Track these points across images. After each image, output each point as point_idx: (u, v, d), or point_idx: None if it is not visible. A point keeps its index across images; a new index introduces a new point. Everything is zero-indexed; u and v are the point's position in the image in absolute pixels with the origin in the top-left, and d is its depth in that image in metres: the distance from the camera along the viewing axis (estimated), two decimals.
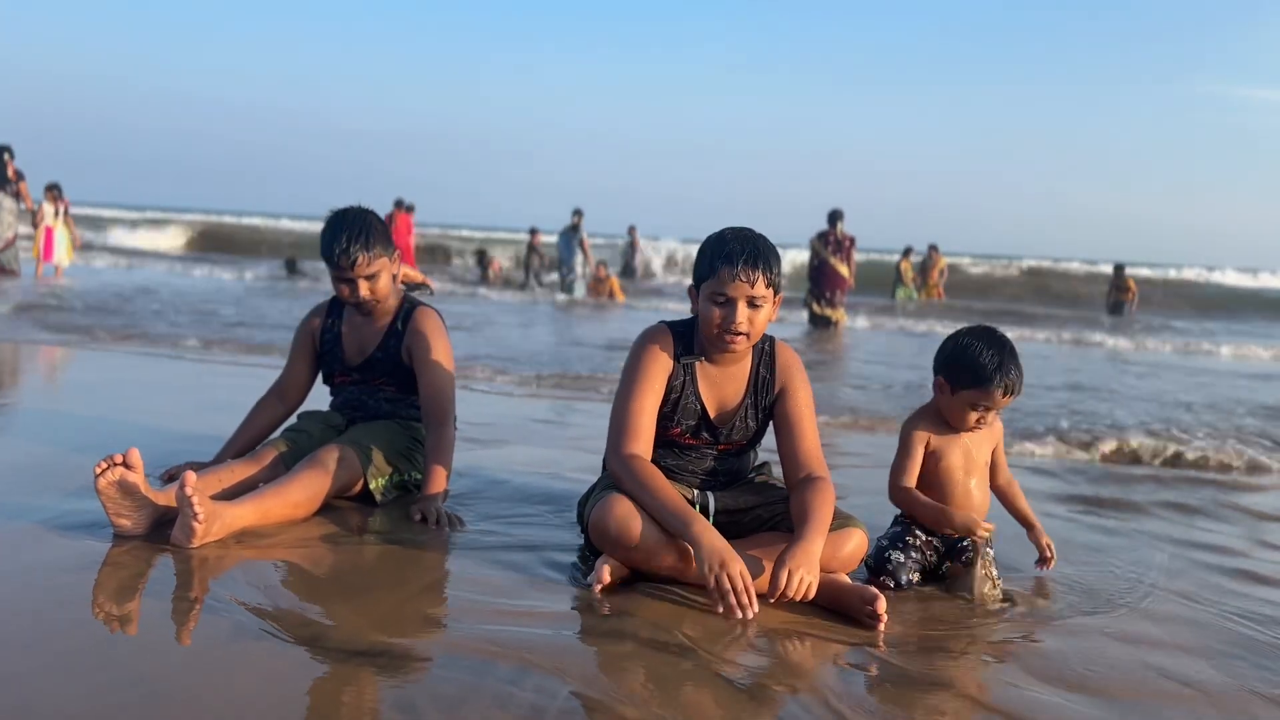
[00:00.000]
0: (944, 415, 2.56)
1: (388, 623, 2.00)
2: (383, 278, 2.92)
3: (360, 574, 2.31)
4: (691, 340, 2.48)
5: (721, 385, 2.49)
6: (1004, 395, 2.47)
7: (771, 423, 2.53)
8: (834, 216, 12.30)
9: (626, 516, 2.26)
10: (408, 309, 3.04)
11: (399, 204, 16.44)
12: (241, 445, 3.01)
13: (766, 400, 2.51)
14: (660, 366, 2.44)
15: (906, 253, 19.74)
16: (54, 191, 13.46)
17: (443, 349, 3.00)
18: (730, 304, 2.32)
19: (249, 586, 2.14)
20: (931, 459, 2.56)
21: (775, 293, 2.37)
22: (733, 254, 2.29)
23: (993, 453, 2.66)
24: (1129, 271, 20.47)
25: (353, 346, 3.05)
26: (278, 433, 3.04)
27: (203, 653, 1.82)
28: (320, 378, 3.19)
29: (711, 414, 2.48)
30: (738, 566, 2.13)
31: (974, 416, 2.52)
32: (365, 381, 3.07)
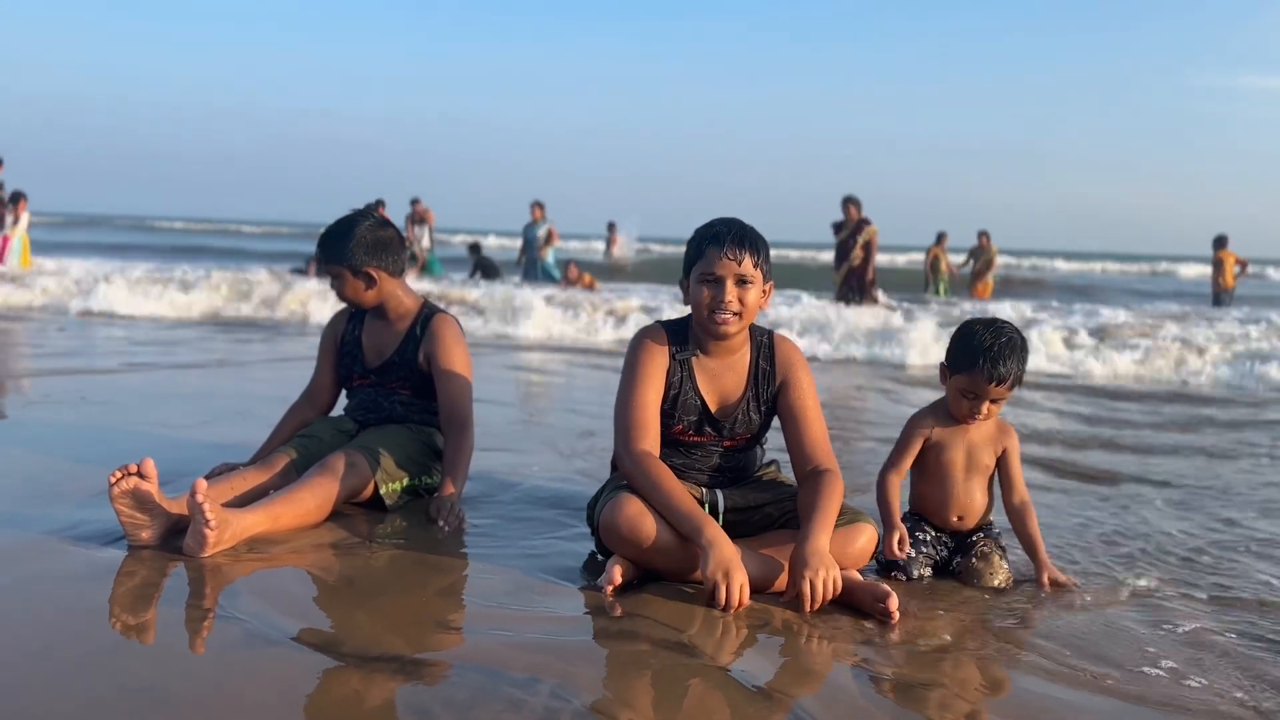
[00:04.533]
0: (948, 404, 2.55)
1: (400, 628, 2.00)
2: (344, 285, 3.02)
3: (372, 580, 2.31)
4: (686, 336, 2.51)
5: (720, 379, 2.50)
6: (993, 384, 2.42)
7: (777, 417, 2.54)
8: (859, 202, 12.03)
9: (637, 516, 2.27)
10: (426, 315, 3.08)
11: (377, 204, 16.03)
12: (274, 449, 3.04)
13: (768, 393, 2.51)
14: (658, 362, 2.46)
15: (940, 239, 16.57)
16: (17, 199, 13.50)
17: (460, 356, 3.04)
18: (719, 282, 2.36)
19: (260, 594, 2.15)
20: (932, 451, 2.55)
21: (765, 279, 2.42)
22: (719, 234, 2.38)
23: (1009, 468, 2.57)
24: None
25: (372, 349, 3.10)
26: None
27: (215, 661, 1.82)
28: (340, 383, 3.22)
29: (712, 408, 2.49)
30: (739, 579, 2.16)
31: (966, 405, 2.49)
32: (381, 384, 3.09)
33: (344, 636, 1.94)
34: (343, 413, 3.19)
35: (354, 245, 2.97)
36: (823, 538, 2.22)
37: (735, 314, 2.38)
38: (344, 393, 3.24)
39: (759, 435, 2.58)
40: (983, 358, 2.41)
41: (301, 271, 14.28)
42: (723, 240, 2.36)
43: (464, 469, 2.95)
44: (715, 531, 2.22)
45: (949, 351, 2.52)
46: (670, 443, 2.50)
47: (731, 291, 2.36)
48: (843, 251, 12.17)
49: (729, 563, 2.18)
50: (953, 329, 2.62)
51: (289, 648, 1.87)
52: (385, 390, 3.09)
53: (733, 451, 2.55)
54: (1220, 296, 14.59)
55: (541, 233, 15.04)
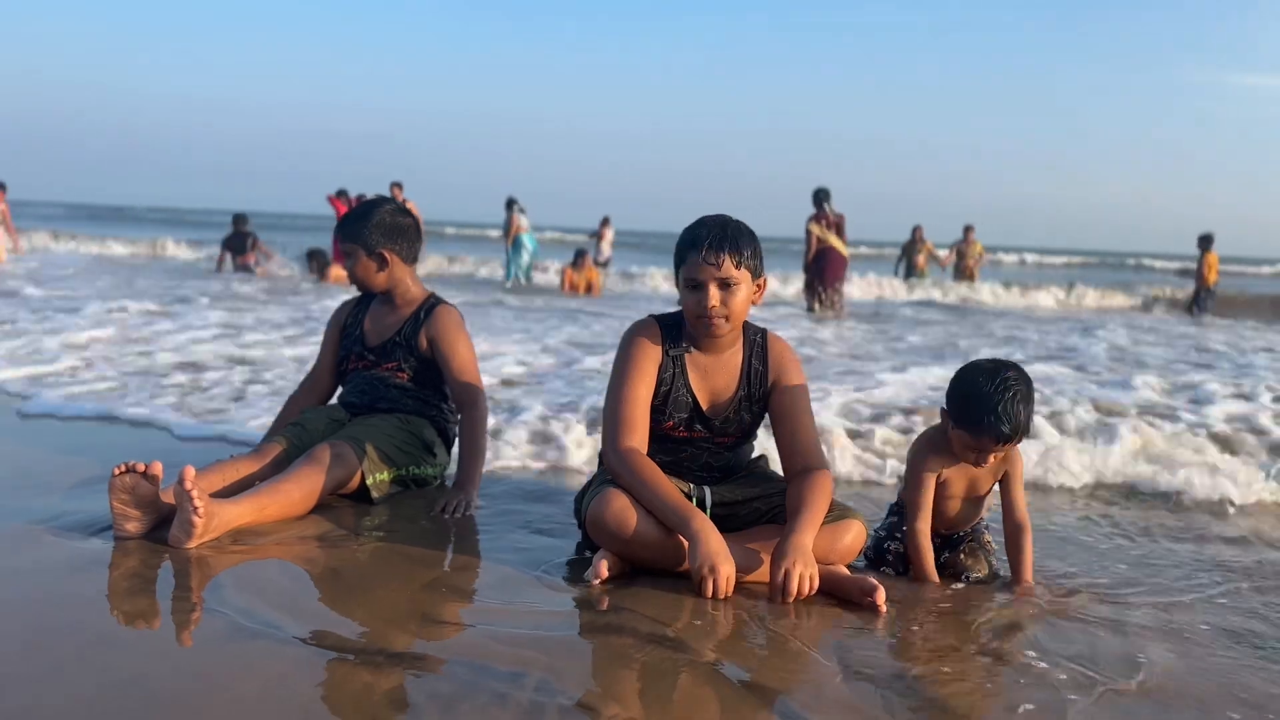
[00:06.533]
0: (952, 445, 2.41)
1: (385, 622, 1.99)
2: (357, 264, 3.11)
3: (357, 573, 2.30)
4: (679, 332, 2.50)
5: (712, 376, 2.49)
6: (996, 442, 2.29)
7: (767, 415, 2.53)
8: (822, 195, 10.92)
9: (623, 511, 2.27)
10: (431, 304, 3.15)
11: (340, 193, 15.46)
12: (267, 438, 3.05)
13: (761, 392, 2.51)
14: (649, 358, 2.45)
15: (915, 234, 16.49)
16: None
17: (464, 339, 3.11)
18: (701, 287, 2.35)
19: (246, 587, 2.14)
20: (936, 487, 2.45)
21: (754, 276, 2.40)
22: (699, 239, 2.35)
23: (1009, 491, 2.45)
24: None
25: (373, 331, 3.15)
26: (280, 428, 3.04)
27: (201, 653, 1.82)
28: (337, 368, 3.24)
29: (703, 405, 2.49)
30: (725, 570, 2.17)
31: (973, 456, 2.36)
32: (378, 364, 3.10)
33: (329, 630, 1.93)
34: (336, 400, 3.20)
35: (372, 225, 3.07)
36: (806, 534, 2.23)
37: (722, 318, 2.37)
38: (340, 381, 3.24)
39: (749, 433, 2.58)
40: (986, 418, 2.26)
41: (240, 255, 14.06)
42: (700, 245, 2.33)
43: (480, 455, 2.99)
44: (701, 523, 2.22)
45: (949, 398, 2.37)
46: (659, 439, 2.49)
47: (715, 296, 2.34)
48: None
49: (715, 556, 2.18)
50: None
51: (274, 641, 1.86)
52: (381, 374, 3.10)
53: (722, 449, 2.54)
54: (1202, 296, 14.57)
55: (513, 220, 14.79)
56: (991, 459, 2.36)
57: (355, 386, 3.14)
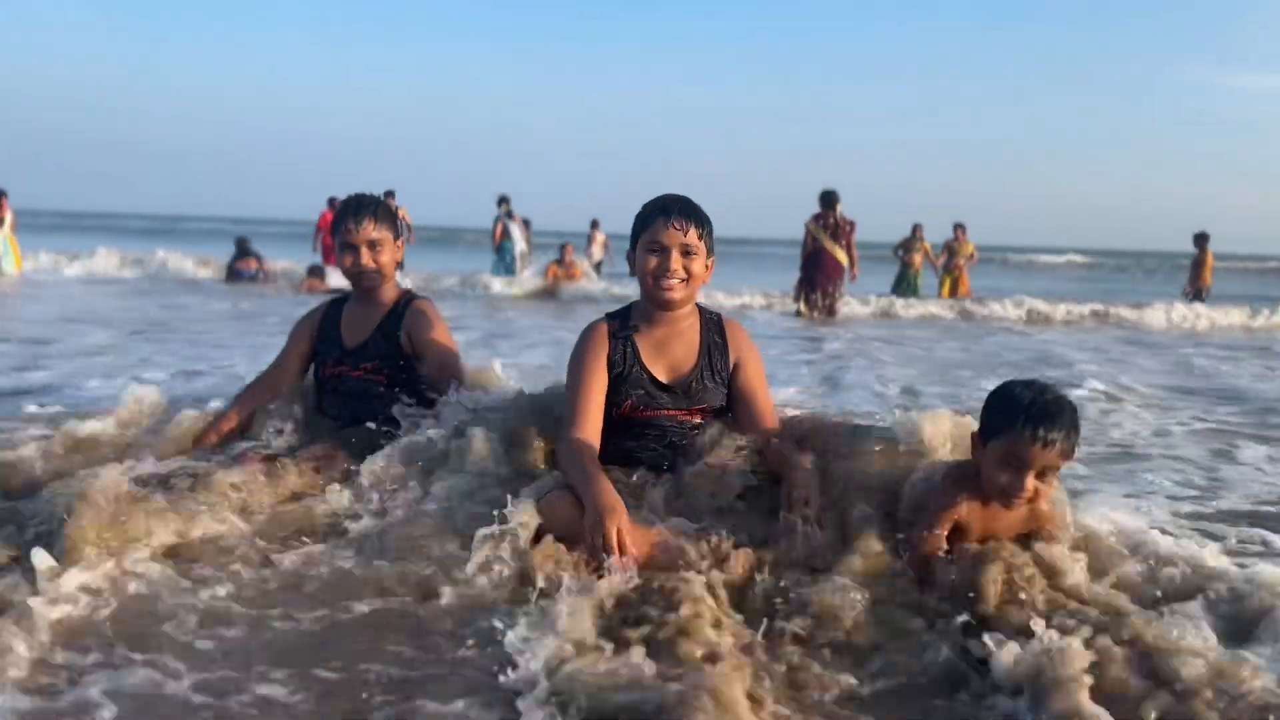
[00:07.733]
0: (982, 481, 2.13)
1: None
2: (384, 250, 3.03)
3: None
4: (628, 317, 2.60)
5: (668, 347, 2.57)
6: (1039, 447, 2.00)
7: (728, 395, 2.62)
8: (829, 197, 10.51)
9: (549, 503, 2.29)
10: (408, 299, 3.11)
11: (332, 202, 15.10)
12: (226, 425, 3.04)
13: (723, 364, 2.60)
14: (598, 351, 2.54)
15: (915, 231, 14.98)
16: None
17: (443, 329, 3.08)
18: (665, 251, 2.46)
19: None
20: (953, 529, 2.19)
21: (709, 254, 2.54)
22: (667, 206, 2.52)
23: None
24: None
25: (350, 331, 3.09)
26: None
27: None
28: (313, 377, 3.17)
29: (662, 379, 2.55)
30: (615, 522, 2.14)
31: (1008, 477, 2.05)
32: (356, 369, 3.03)
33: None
34: (318, 413, 3.13)
35: (391, 219, 3.07)
36: (808, 462, 2.39)
37: (681, 280, 2.48)
38: (319, 392, 3.18)
39: (715, 407, 2.60)
40: (1023, 415, 2.01)
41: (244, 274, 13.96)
42: (670, 211, 2.50)
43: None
44: (599, 488, 2.23)
45: (983, 417, 2.15)
46: (622, 423, 2.53)
47: (676, 260, 2.47)
48: None
49: (602, 512, 2.16)
50: None
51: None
52: (360, 381, 3.03)
53: (688, 428, 2.56)
54: (1202, 295, 14.29)
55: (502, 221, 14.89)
56: (1030, 485, 2.04)
57: (337, 399, 3.08)
